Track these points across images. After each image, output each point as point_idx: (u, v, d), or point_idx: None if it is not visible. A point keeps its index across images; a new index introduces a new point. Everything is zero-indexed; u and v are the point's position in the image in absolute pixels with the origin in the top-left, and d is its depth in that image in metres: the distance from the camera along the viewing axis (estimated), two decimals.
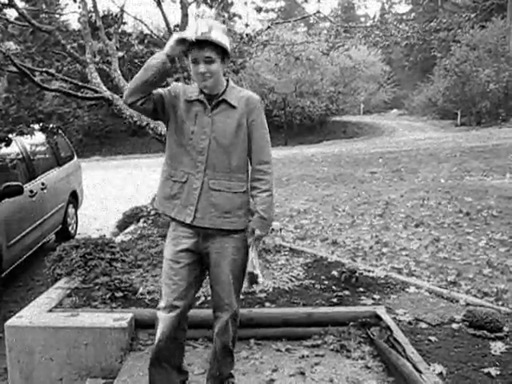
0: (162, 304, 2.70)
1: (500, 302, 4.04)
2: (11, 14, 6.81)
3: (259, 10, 8.43)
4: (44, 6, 7.61)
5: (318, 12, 7.98)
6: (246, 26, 7.52)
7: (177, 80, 7.34)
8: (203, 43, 2.43)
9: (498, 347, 3.09)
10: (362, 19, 60.02)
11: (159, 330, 2.69)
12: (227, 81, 2.66)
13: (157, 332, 2.71)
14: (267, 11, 54.45)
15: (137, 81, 2.48)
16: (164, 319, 2.67)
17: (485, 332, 3.27)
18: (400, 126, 33.03)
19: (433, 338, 3.23)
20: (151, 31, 7.45)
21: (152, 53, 7.55)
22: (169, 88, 2.65)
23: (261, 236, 2.65)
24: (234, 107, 2.59)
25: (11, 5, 5.85)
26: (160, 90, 2.59)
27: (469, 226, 6.37)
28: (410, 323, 3.48)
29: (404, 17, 53.70)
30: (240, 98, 2.62)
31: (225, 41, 2.51)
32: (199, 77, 2.52)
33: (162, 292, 2.72)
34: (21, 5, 6.71)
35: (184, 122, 2.60)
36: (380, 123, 35.23)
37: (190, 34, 2.43)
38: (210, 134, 2.57)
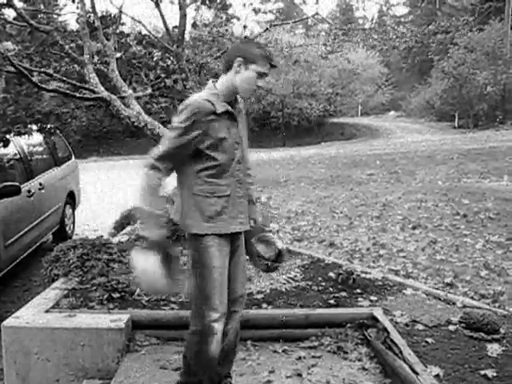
0: (216, 315, 2.55)
1: (497, 304, 4.05)
2: (9, 13, 6.80)
3: (257, 11, 8.44)
4: (42, 6, 7.59)
5: (317, 14, 7.99)
6: (244, 27, 7.53)
7: (175, 81, 7.36)
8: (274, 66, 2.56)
9: (494, 349, 3.09)
10: (360, 21, 60.16)
11: (215, 344, 2.58)
12: None
13: (209, 347, 2.57)
14: (265, 13, 54.46)
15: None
16: (220, 330, 2.58)
17: (481, 334, 3.28)
18: (397, 128, 33.08)
19: (430, 340, 3.23)
20: (149, 32, 7.44)
21: (150, 53, 7.56)
22: (193, 120, 2.45)
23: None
24: (242, 110, 2.73)
25: (9, 5, 5.85)
26: (189, 138, 2.46)
27: (466, 228, 6.38)
28: (406, 325, 3.49)
29: (402, 19, 53.87)
30: (241, 100, 2.74)
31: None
32: (254, 88, 2.57)
33: (209, 302, 2.55)
34: (19, 5, 6.69)
35: (223, 139, 2.51)
36: (377, 125, 35.28)
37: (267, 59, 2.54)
38: (240, 141, 2.64)
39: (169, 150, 2.47)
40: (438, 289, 4.30)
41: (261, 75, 2.53)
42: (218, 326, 2.57)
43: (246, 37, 7.34)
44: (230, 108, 2.56)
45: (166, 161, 2.48)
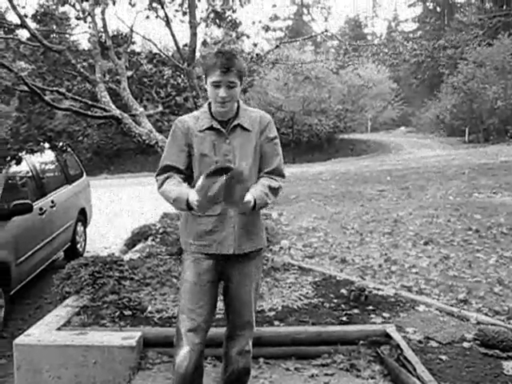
0: (186, 327, 2.57)
1: (511, 321, 3.99)
2: (23, 34, 6.92)
3: (267, 29, 8.52)
4: (55, 27, 7.72)
5: (326, 31, 8.05)
6: (255, 45, 7.59)
7: (185, 99, 7.41)
8: (230, 68, 2.43)
9: (510, 367, 3.05)
10: (369, 37, 60.43)
11: (186, 358, 2.56)
12: (237, 102, 2.63)
13: (179, 360, 2.58)
14: (274, 30, 54.88)
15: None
16: (192, 346, 2.56)
17: (497, 351, 3.24)
18: (407, 144, 33.00)
19: (444, 357, 3.19)
20: (160, 50, 7.53)
21: (160, 71, 7.64)
22: (179, 134, 2.59)
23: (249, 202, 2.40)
24: (248, 130, 2.59)
25: (23, 26, 5.95)
26: (185, 155, 2.57)
27: (478, 244, 6.32)
28: (420, 342, 3.45)
29: (411, 35, 54.04)
30: (253, 119, 2.62)
31: (244, 65, 2.56)
32: (218, 101, 2.49)
33: (182, 316, 2.59)
34: (32, 25, 6.81)
35: (204, 155, 2.54)
36: (388, 141, 35.22)
37: (213, 67, 2.43)
38: (234, 160, 2.53)
39: (164, 160, 2.60)
40: (451, 305, 4.25)
41: (215, 84, 2.46)
42: (187, 341, 2.56)
43: (257, 54, 7.41)
44: (215, 123, 2.55)
45: (166, 171, 2.58)
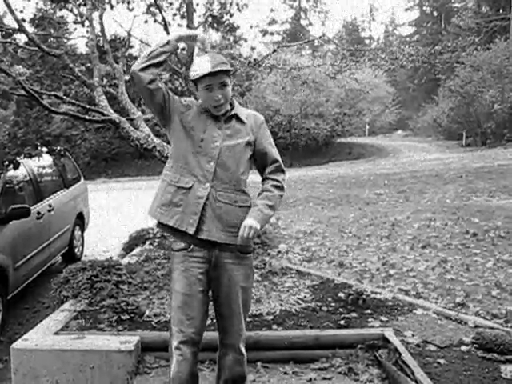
0: (178, 339, 2.54)
1: (509, 324, 3.99)
2: (20, 38, 6.92)
3: (264, 33, 8.54)
4: (52, 31, 7.73)
5: (324, 35, 8.07)
6: (252, 49, 7.61)
7: None
8: (217, 68, 2.46)
9: (508, 370, 3.05)
10: (367, 41, 60.61)
11: (178, 368, 2.54)
12: (231, 100, 2.67)
13: (174, 370, 2.55)
14: (272, 34, 55.00)
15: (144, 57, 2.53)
16: (185, 356, 2.52)
17: (495, 355, 3.24)
18: (405, 147, 33.04)
19: (442, 361, 3.19)
20: None
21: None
22: (182, 98, 2.68)
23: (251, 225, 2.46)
24: (243, 123, 2.63)
25: (21, 30, 5.95)
26: (171, 93, 2.62)
27: (476, 247, 6.33)
28: (418, 345, 3.45)
29: (408, 39, 54.24)
30: (247, 114, 2.68)
31: (227, 61, 2.59)
32: (214, 103, 2.53)
33: (174, 329, 2.56)
34: (30, 30, 6.83)
35: (193, 129, 2.57)
36: (385, 144, 35.26)
37: (203, 70, 2.47)
38: (221, 144, 2.55)
39: None
40: (449, 309, 4.26)
41: (208, 88, 2.50)
42: (180, 352, 2.53)
43: (255, 59, 7.43)
44: (215, 112, 2.59)
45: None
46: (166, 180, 2.61)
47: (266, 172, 2.68)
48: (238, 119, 2.63)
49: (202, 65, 2.49)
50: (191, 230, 2.50)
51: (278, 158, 2.71)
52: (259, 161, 2.70)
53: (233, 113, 2.62)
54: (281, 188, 2.64)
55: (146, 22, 6.71)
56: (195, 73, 2.51)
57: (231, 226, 2.53)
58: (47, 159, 7.04)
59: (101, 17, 6.61)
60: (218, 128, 2.59)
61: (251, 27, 8.03)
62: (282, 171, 2.69)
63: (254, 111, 2.78)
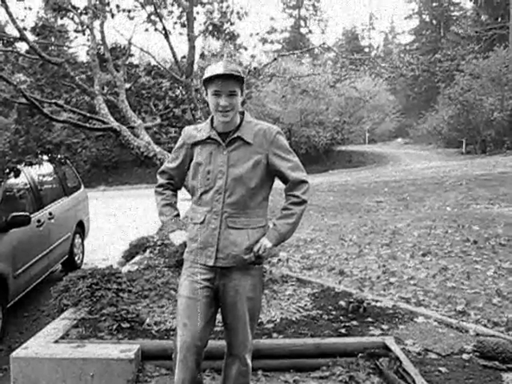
0: (180, 343, 2.55)
1: (511, 332, 3.98)
2: (21, 47, 6.95)
3: (264, 41, 8.58)
4: (53, 39, 7.76)
5: (323, 44, 8.10)
6: (252, 57, 7.64)
7: (183, 111, 7.43)
8: (229, 76, 2.44)
9: (510, 379, 3.04)
10: (366, 49, 60.78)
11: (181, 374, 2.55)
12: (242, 114, 2.62)
13: (177, 378, 2.57)
14: (272, 42, 55.19)
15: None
16: (186, 361, 2.54)
17: (496, 363, 3.23)
18: (405, 155, 33.10)
19: (443, 369, 3.18)
20: (158, 63, 7.56)
21: (159, 84, 7.67)
22: (182, 143, 2.73)
23: (266, 247, 2.54)
24: (249, 144, 2.55)
25: (22, 38, 5.98)
26: (178, 163, 2.74)
27: (477, 255, 6.32)
28: (419, 354, 3.44)
29: (407, 47, 54.42)
30: (256, 132, 2.58)
31: (242, 72, 2.56)
32: (220, 110, 2.49)
33: (178, 332, 2.58)
34: (31, 38, 6.85)
35: (200, 164, 2.58)
36: (385, 152, 35.31)
37: (214, 71, 2.47)
38: (227, 172, 2.52)
39: (167, 164, 2.80)
40: (450, 317, 4.24)
41: (216, 94, 2.48)
42: (183, 357, 2.55)
43: (255, 68, 7.45)
44: (213, 134, 2.57)
45: (167, 174, 2.79)
46: (189, 220, 2.70)
47: (285, 188, 2.63)
48: (243, 141, 2.55)
49: (214, 68, 2.48)
50: (210, 262, 2.56)
51: (295, 172, 2.59)
52: (277, 176, 2.64)
53: (236, 135, 2.55)
54: (300, 203, 2.59)
55: (146, 30, 6.73)
56: (207, 74, 2.50)
57: (247, 248, 2.55)
58: (48, 167, 7.04)
59: (101, 25, 6.64)
60: (223, 154, 2.55)
61: (251, 35, 8.07)
62: (302, 182, 2.59)
63: (268, 124, 2.67)
